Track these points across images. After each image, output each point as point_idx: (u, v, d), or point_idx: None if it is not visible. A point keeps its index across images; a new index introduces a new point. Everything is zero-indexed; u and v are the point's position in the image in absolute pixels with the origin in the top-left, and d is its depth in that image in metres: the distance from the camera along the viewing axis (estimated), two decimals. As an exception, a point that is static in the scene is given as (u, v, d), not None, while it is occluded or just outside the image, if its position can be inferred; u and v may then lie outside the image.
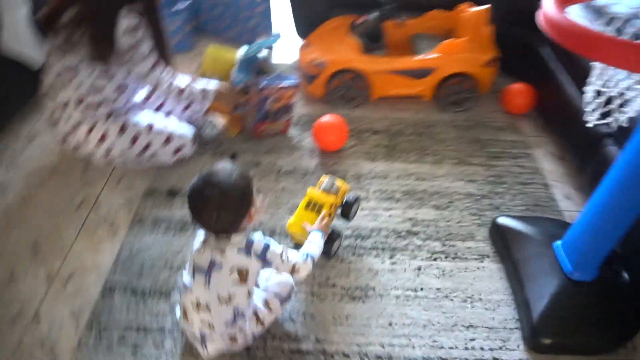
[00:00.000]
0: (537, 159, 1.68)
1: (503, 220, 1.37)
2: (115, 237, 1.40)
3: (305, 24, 2.13)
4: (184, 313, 1.04)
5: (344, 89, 1.86)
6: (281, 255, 1.02)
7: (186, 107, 1.71)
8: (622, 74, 0.82)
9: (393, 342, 1.14)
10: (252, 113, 1.66)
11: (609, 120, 0.88)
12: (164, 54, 1.50)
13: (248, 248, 0.99)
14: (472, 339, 1.15)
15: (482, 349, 1.13)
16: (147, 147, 1.54)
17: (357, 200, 1.37)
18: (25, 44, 1.67)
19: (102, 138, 1.50)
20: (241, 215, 0.98)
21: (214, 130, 1.74)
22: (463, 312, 1.21)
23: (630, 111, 0.84)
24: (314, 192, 1.28)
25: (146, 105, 1.67)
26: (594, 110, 0.85)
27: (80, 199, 1.53)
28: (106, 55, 1.39)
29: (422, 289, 1.26)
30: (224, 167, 0.98)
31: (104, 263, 1.33)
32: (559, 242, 1.21)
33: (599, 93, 0.83)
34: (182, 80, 1.56)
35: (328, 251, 1.28)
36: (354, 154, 1.69)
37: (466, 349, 1.13)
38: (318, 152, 1.70)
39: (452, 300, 1.24)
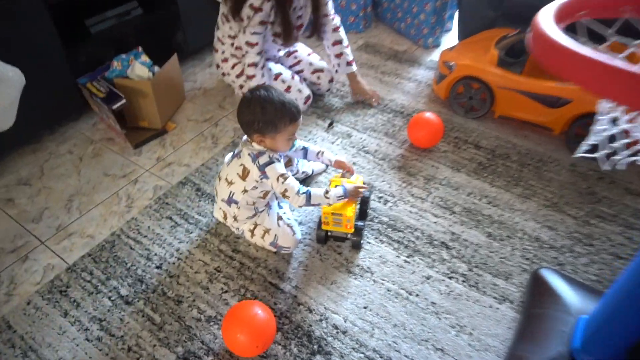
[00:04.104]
0: (659, 239, 1.35)
1: (546, 273, 1.18)
2: (213, 149, 1.73)
3: (467, 30, 2.09)
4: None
5: (466, 97, 1.80)
6: (279, 176, 1.17)
7: (314, 71, 1.93)
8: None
9: (357, 322, 1.15)
10: None
11: (596, 155, 0.72)
12: (286, 32, 1.71)
13: (256, 156, 1.18)
14: (434, 361, 1.08)
15: (436, 374, 1.05)
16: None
17: (371, 194, 1.43)
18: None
19: (240, 74, 1.84)
20: (253, 126, 1.16)
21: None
22: (443, 335, 1.13)
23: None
24: (337, 178, 1.35)
25: (285, 61, 1.95)
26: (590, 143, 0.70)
27: (210, 115, 1.91)
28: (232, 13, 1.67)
29: (417, 295, 1.21)
30: (282, 94, 1.16)
31: (193, 164, 1.66)
32: (586, 316, 1.01)
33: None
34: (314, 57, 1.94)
35: (358, 244, 1.31)
36: (440, 158, 1.64)
37: (421, 365, 1.07)
38: (408, 145, 1.71)
39: (439, 319, 1.16)
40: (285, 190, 1.17)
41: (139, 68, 1.72)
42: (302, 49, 1.98)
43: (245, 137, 1.23)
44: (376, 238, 1.36)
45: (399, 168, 1.61)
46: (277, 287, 1.24)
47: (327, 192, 1.21)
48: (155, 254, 1.33)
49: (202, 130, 1.83)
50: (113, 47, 1.84)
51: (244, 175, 1.20)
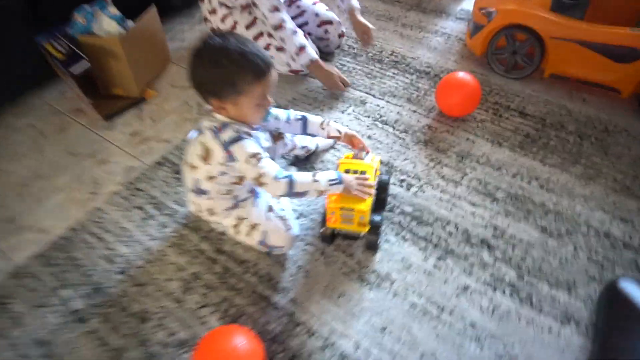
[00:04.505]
0: None
1: (628, 285, 0.88)
2: (198, 121, 1.43)
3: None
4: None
5: (509, 52, 1.45)
6: (250, 156, 0.87)
7: (321, 24, 1.59)
8: None
9: (372, 350, 0.88)
10: None
11: None
12: None
13: (218, 131, 0.89)
14: (476, 409, 0.80)
15: None
16: (266, 47, 1.50)
17: (390, 177, 1.14)
18: None
19: (233, 27, 1.52)
20: (206, 87, 0.88)
21: None
22: (488, 369, 0.85)
23: None
24: (347, 160, 1.04)
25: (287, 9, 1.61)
26: None
27: (196, 81, 1.60)
28: None
29: (451, 312, 0.93)
30: (244, 41, 0.86)
31: (175, 140, 1.37)
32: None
33: None
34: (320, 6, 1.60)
35: (375, 244, 1.02)
36: (477, 129, 1.32)
37: (458, 414, 0.80)
38: (436, 113, 1.38)
39: (482, 347, 0.88)
40: (259, 175, 0.87)
41: (107, 22, 1.42)
42: (305, -3, 1.63)
43: (206, 105, 0.94)
44: (397, 234, 1.07)
45: (426, 143, 1.29)
46: (269, 300, 0.97)
47: (314, 175, 0.90)
48: (120, 255, 1.07)
49: (187, 98, 1.53)
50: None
51: (206, 156, 0.91)
